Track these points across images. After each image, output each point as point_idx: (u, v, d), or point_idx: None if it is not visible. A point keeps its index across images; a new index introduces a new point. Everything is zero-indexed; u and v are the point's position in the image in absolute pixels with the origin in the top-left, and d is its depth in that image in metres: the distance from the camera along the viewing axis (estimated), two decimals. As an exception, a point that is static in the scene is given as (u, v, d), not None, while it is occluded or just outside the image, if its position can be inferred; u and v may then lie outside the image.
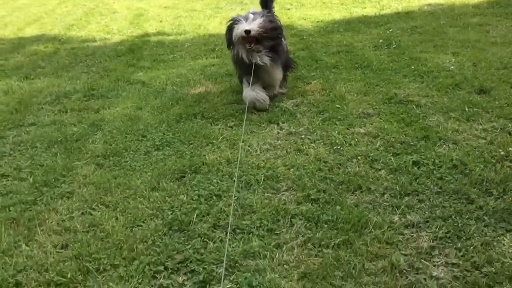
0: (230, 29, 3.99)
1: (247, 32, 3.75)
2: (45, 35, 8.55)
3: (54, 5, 11.89)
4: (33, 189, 3.24)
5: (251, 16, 3.88)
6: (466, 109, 3.89)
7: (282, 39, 4.19)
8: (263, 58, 3.94)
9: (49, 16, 10.42)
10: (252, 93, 4.01)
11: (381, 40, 6.15)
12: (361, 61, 5.40)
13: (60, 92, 5.24)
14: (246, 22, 3.83)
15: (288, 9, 8.95)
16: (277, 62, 4.09)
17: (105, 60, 6.54)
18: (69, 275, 2.37)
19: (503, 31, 6.08)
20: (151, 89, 5.15)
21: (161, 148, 3.72)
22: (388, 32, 6.60)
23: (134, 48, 7.04)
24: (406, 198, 2.80)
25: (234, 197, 2.90)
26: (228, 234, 2.55)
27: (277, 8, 8.80)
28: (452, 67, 4.91)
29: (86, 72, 6.03)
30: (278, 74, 4.18)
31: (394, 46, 5.89)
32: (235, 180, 3.03)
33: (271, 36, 3.93)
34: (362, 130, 3.70)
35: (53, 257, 2.52)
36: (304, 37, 6.75)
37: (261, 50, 3.92)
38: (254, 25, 3.79)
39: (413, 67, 5.03)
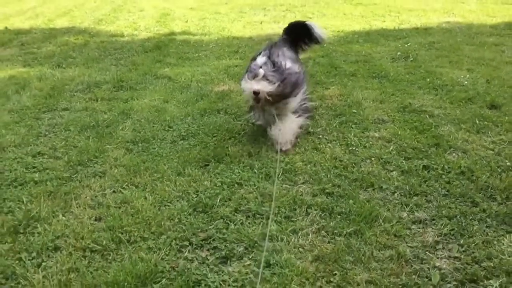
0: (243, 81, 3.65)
1: (256, 93, 3.43)
2: (75, 28, 8.89)
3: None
4: (68, 167, 3.50)
5: (261, 71, 3.45)
6: (477, 121, 4.08)
7: (300, 91, 3.78)
8: (271, 111, 3.65)
9: (78, 10, 10.78)
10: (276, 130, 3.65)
11: (398, 53, 6.36)
12: (378, 71, 5.61)
13: (91, 82, 5.52)
14: (255, 78, 3.47)
15: (310, 18, 9.19)
16: (288, 113, 3.74)
17: (133, 55, 6.83)
18: (103, 243, 2.61)
19: (519, 52, 6.26)
20: (177, 84, 5.41)
21: (186, 138, 3.96)
22: (406, 45, 6.80)
23: (161, 45, 7.33)
24: (415, 198, 3.01)
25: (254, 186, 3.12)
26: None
27: (299, 17, 9.13)
28: (466, 82, 5.10)
29: (115, 65, 6.32)
30: (291, 124, 3.75)
31: (411, 59, 6.10)
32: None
33: (283, 95, 3.56)
34: (376, 134, 3.91)
35: (88, 228, 2.76)
36: (324, 45, 6.97)
37: (272, 105, 3.59)
38: (262, 86, 3.42)
39: (428, 80, 5.23)
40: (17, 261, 2.48)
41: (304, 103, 3.88)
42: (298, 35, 4.47)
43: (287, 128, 3.67)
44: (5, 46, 7.57)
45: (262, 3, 10.61)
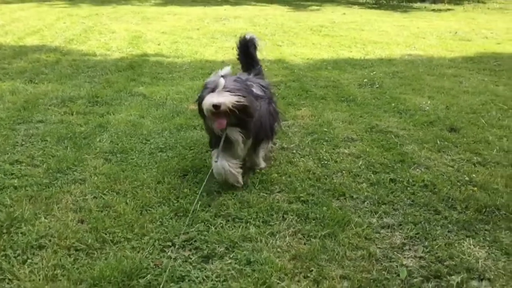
0: (200, 98, 3.23)
1: (216, 107, 3.01)
2: (46, 46, 8.88)
3: (53, 20, 12.28)
4: (47, 174, 3.54)
5: (222, 81, 3.06)
6: (438, 142, 4.38)
7: (267, 103, 3.56)
8: (233, 133, 3.25)
9: (48, 29, 10.77)
10: (223, 163, 3.29)
11: (365, 80, 6.72)
12: (346, 95, 5.92)
13: (65, 97, 5.57)
14: (215, 91, 3.07)
15: (280, 45, 9.54)
16: (249, 139, 3.41)
17: (106, 73, 6.90)
18: (88, 242, 2.68)
19: (475, 83, 6.73)
20: (152, 102, 5.53)
21: (164, 150, 4.08)
22: (371, 73, 7.19)
23: (134, 65, 7.44)
24: (383, 206, 3.22)
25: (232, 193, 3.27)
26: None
27: (269, 45, 9.46)
28: (427, 107, 5.46)
29: (88, 82, 6.38)
30: (252, 150, 3.58)
31: (377, 86, 6.46)
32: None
33: (245, 113, 3.17)
34: (346, 151, 4.14)
35: (72, 229, 2.82)
36: (295, 70, 7.29)
37: (233, 124, 3.21)
38: (224, 98, 3.03)
39: (393, 104, 5.56)
40: (2, 257, 2.51)
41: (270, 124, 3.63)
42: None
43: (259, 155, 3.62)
44: (-25, 61, 7.50)
45: (233, 30, 10.91)
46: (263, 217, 3.04)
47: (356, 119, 5.02)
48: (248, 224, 2.96)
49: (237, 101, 3.06)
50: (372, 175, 3.68)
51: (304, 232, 2.88)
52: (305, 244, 2.78)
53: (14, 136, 4.27)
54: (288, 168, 3.76)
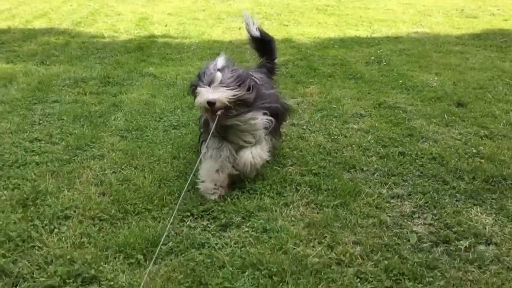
0: (193, 86, 3.04)
1: (211, 104, 2.80)
2: (54, 29, 8.95)
3: (59, 2, 12.29)
4: (67, 151, 3.66)
5: (218, 76, 2.83)
6: (446, 117, 4.46)
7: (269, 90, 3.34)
8: (234, 120, 2.99)
9: (55, 12, 10.81)
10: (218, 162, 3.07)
11: (372, 58, 6.76)
12: (354, 73, 5.98)
13: (77, 78, 5.66)
14: (210, 86, 2.84)
15: (286, 25, 9.55)
16: (257, 113, 3.08)
17: (116, 55, 6.98)
18: (111, 213, 2.81)
19: (481, 59, 6.76)
20: (162, 82, 5.62)
21: (178, 128, 4.19)
22: (378, 51, 7.22)
23: (143, 46, 7.51)
24: (393, 178, 3.32)
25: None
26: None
27: (275, 24, 9.48)
28: (435, 84, 5.52)
29: (99, 63, 6.46)
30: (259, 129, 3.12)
31: (384, 63, 6.50)
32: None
33: (245, 103, 2.96)
34: (355, 126, 4.24)
35: (95, 201, 2.95)
36: (302, 49, 7.33)
37: (232, 115, 2.96)
38: (219, 94, 2.81)
39: (400, 81, 5.62)
40: (31, 227, 2.64)
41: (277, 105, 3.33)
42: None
43: (256, 153, 3.10)
44: (-15, 44, 7.59)
45: (239, 11, 10.90)
46: (276, 188, 3.15)
47: (364, 96, 5.09)
48: (263, 195, 3.07)
49: (233, 95, 2.85)
50: (381, 148, 3.78)
51: (317, 202, 2.99)
52: (318, 213, 2.89)
53: (31, 116, 4.39)
54: (299, 143, 3.86)
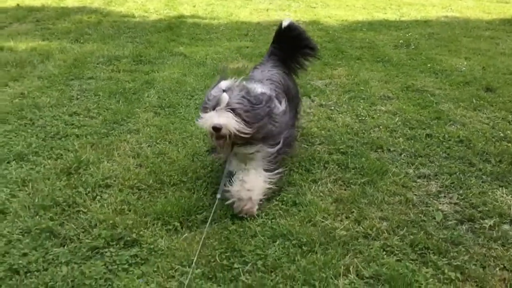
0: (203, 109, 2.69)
1: (216, 129, 2.53)
2: (86, 7, 9.14)
3: (90, -18, 12.47)
4: (104, 125, 3.83)
5: (225, 97, 2.54)
6: (474, 101, 4.48)
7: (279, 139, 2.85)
8: (241, 150, 2.75)
9: (86, -9, 10.99)
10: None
11: (400, 41, 6.75)
12: (382, 56, 6.00)
13: (111, 56, 5.83)
14: (216, 109, 2.56)
15: (314, 7, 9.55)
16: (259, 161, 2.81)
17: (146, 34, 7.13)
18: (149, 183, 2.96)
19: (512, 45, 6.69)
20: (192, 61, 5.74)
21: (209, 105, 4.30)
22: (407, 35, 7.19)
23: (173, 26, 7.63)
24: (419, 158, 3.39)
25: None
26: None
27: (302, 6, 9.47)
28: (463, 68, 5.51)
29: (131, 42, 6.62)
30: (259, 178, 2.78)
31: (413, 47, 6.49)
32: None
33: (255, 133, 2.66)
34: (383, 108, 4.29)
35: (133, 172, 3.11)
36: (330, 32, 7.36)
37: (238, 144, 2.71)
38: (226, 119, 2.53)
39: (429, 65, 5.62)
40: (75, 193, 2.82)
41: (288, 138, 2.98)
42: (291, 43, 3.44)
43: (253, 183, 2.72)
44: (21, 22, 7.82)
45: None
46: (305, 165, 3.25)
47: (392, 79, 5.12)
48: (292, 171, 3.19)
49: (242, 129, 2.57)
50: (409, 130, 3.84)
51: (345, 180, 3.09)
52: (345, 190, 3.00)
53: (69, 91, 4.57)
54: (327, 123, 3.95)
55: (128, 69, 5.34)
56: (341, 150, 3.47)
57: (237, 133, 2.56)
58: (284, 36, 3.42)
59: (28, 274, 2.21)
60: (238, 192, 2.67)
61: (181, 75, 5.18)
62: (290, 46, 3.44)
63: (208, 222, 2.49)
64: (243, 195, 2.65)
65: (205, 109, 2.63)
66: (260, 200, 2.75)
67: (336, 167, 3.24)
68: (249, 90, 2.70)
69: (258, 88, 2.81)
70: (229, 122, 2.54)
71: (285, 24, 3.37)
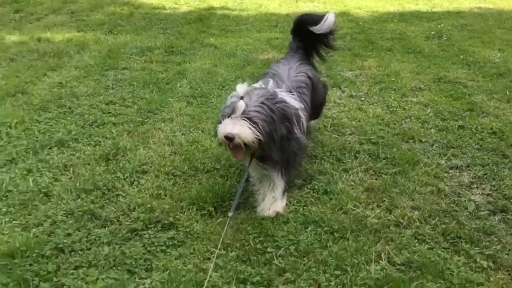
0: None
1: (229, 139, 2.36)
2: (118, 0, 9.31)
3: (121, -26, 12.67)
4: (139, 113, 3.94)
5: (242, 104, 2.38)
6: (508, 93, 4.41)
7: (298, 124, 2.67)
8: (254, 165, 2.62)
9: (118, -16, 11.18)
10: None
11: (432, 32, 6.66)
12: (413, 47, 5.94)
13: (143, 47, 5.94)
14: (231, 116, 2.40)
15: (344, -1, 9.47)
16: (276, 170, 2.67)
17: (177, 26, 7.22)
18: (184, 169, 3.06)
19: (549, 36, 6.52)
20: (223, 52, 5.81)
21: (240, 96, 4.37)
22: (439, 26, 7.09)
23: (203, 18, 7.71)
24: (452, 150, 3.39)
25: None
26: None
27: (333, -3, 9.40)
28: (497, 60, 5.41)
29: (162, 33, 6.73)
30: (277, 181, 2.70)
31: (445, 38, 6.40)
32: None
33: (270, 149, 2.48)
34: (414, 99, 4.28)
35: (168, 159, 3.21)
36: (360, 23, 7.31)
37: (253, 157, 2.56)
38: (240, 128, 2.35)
39: (461, 57, 5.55)
40: (114, 178, 2.94)
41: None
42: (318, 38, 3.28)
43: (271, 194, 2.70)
44: (56, 13, 8.03)
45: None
46: (336, 155, 3.29)
47: (424, 70, 5.08)
48: (323, 160, 3.23)
49: (256, 138, 2.38)
50: (441, 122, 3.83)
51: (376, 169, 3.12)
52: (376, 179, 3.02)
53: (105, 81, 4.71)
54: (358, 114, 3.97)
55: (161, 60, 5.45)
56: (372, 140, 3.49)
57: (251, 144, 2.37)
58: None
59: (73, 253, 2.33)
60: (263, 212, 2.66)
61: (212, 65, 5.25)
62: (316, 41, 3.30)
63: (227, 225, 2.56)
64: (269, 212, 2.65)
65: (222, 117, 2.46)
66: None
67: (367, 157, 3.27)
68: (272, 96, 2.49)
69: (285, 97, 2.63)
70: (243, 131, 2.34)
71: (331, 19, 3.15)
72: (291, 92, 2.80)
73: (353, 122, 3.81)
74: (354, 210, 2.69)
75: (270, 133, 2.42)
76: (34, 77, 4.75)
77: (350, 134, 3.61)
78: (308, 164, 3.18)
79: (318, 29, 3.16)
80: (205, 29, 7.00)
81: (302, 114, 2.74)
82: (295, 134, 2.59)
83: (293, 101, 2.71)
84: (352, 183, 2.98)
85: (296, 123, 2.61)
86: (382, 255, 2.33)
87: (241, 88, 2.48)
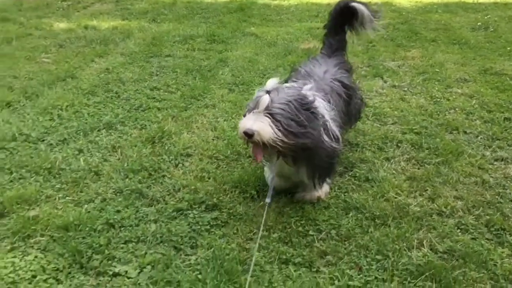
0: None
1: (248, 135, 2.23)
2: (161, -11, 9.46)
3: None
4: (183, 99, 4.04)
5: (266, 99, 2.23)
6: (557, 86, 4.27)
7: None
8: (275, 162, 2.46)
9: (160, -26, 11.35)
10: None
11: (478, 23, 6.48)
12: (458, 38, 5.80)
13: (186, 35, 6.04)
14: (253, 111, 2.27)
15: (387, -11, 9.31)
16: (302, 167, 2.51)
17: (218, 15, 7.29)
18: (227, 154, 3.13)
19: None
20: (264, 41, 5.84)
21: (281, 84, 4.40)
22: (485, 17, 6.88)
23: (244, 7, 7.75)
24: (497, 142, 3.32)
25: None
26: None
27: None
28: (546, 52, 5.24)
29: (204, 22, 6.82)
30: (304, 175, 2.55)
31: (491, 30, 6.22)
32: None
33: (299, 146, 2.31)
34: (459, 91, 4.20)
35: (211, 143, 3.29)
36: (403, 13, 7.18)
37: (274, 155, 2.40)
38: (261, 125, 2.21)
39: (508, 48, 5.38)
40: (160, 160, 3.04)
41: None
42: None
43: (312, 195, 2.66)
44: (102, 2, 8.24)
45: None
46: (378, 144, 3.29)
47: (469, 62, 4.97)
48: (364, 149, 3.23)
49: (277, 138, 2.21)
50: (486, 113, 3.75)
51: (418, 159, 3.10)
52: (419, 168, 3.01)
53: (149, 67, 4.83)
54: (400, 104, 3.94)
55: (203, 48, 5.54)
56: (415, 130, 3.46)
57: (271, 143, 2.21)
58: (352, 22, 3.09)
59: (122, 228, 2.44)
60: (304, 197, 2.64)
61: (253, 54, 5.30)
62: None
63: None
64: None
65: (247, 111, 2.34)
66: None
67: (410, 146, 3.25)
68: (301, 96, 2.32)
69: (317, 101, 2.44)
70: (263, 128, 2.19)
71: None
72: (324, 96, 2.59)
73: (396, 112, 3.78)
74: (396, 198, 2.69)
75: (294, 134, 2.23)
76: (82, 63, 4.92)
77: (392, 124, 3.59)
78: (350, 152, 3.19)
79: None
80: (246, 18, 7.04)
81: (332, 120, 2.54)
82: (323, 139, 2.41)
83: (324, 105, 2.52)
84: (394, 171, 2.97)
85: (325, 128, 2.43)
86: (424, 243, 2.34)
87: (271, 82, 2.34)
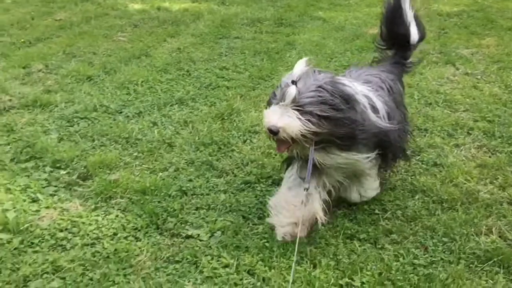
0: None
1: (272, 132, 2.03)
2: (229, -27, 9.59)
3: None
4: (251, 79, 4.14)
5: (292, 91, 2.00)
6: None
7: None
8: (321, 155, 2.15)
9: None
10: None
11: (561, 12, 6.11)
12: (539, 27, 5.51)
13: (254, 18, 6.13)
14: (278, 104, 2.05)
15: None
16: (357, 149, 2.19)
17: (286, -1, 7.32)
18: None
19: None
20: (331, 25, 5.82)
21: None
22: None
23: (312, -9, 7.72)
24: None
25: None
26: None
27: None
28: None
29: (272, 6, 6.87)
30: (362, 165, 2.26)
31: None
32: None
33: (339, 136, 2.08)
34: (538, 82, 4.02)
35: (277, 121, 3.36)
36: (479, 1, 6.88)
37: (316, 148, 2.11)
38: (286, 120, 2.00)
39: None
40: (230, 136, 3.16)
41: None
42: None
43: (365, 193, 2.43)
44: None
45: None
46: (447, 130, 3.24)
47: (549, 51, 4.73)
48: (433, 135, 3.20)
49: (309, 130, 2.00)
50: None
51: (490, 147, 3.03)
52: (490, 157, 2.94)
53: (219, 48, 4.97)
54: (473, 92, 3.83)
55: (270, 31, 5.61)
56: (487, 118, 3.37)
57: (301, 138, 2.00)
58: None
59: (194, 196, 2.58)
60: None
61: (320, 38, 5.30)
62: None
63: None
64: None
65: (272, 100, 2.12)
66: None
67: (481, 134, 3.18)
68: (332, 78, 2.11)
69: (355, 84, 2.20)
70: (289, 124, 1.98)
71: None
72: (367, 84, 2.30)
73: (467, 100, 3.68)
74: (465, 183, 2.66)
75: (329, 119, 2.01)
76: (155, 42, 5.14)
77: (463, 111, 3.51)
78: (418, 137, 3.15)
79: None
80: (314, 2, 7.02)
81: (379, 99, 2.25)
82: (370, 117, 2.14)
83: (364, 89, 2.23)
84: (463, 158, 2.92)
85: (368, 107, 2.16)
86: (493, 230, 2.30)
87: (299, 66, 2.12)
